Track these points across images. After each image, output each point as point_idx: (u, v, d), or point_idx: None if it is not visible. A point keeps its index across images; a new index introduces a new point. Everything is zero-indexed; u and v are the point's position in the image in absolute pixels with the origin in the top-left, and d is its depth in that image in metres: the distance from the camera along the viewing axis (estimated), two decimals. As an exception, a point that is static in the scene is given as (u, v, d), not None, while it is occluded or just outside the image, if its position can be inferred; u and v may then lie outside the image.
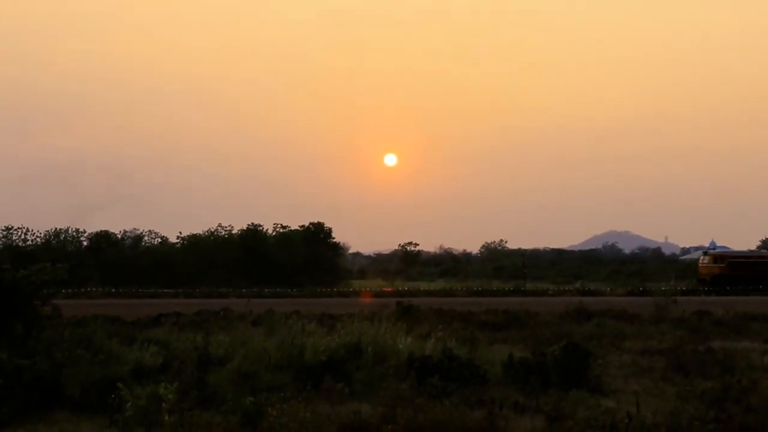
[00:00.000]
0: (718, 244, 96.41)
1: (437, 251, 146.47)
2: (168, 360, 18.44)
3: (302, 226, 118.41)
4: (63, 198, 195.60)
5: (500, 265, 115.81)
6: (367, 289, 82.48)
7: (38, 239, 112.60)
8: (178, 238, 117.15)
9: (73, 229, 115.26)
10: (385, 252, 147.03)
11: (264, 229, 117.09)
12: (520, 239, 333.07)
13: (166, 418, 12.88)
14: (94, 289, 78.01)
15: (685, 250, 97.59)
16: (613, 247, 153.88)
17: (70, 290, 67.03)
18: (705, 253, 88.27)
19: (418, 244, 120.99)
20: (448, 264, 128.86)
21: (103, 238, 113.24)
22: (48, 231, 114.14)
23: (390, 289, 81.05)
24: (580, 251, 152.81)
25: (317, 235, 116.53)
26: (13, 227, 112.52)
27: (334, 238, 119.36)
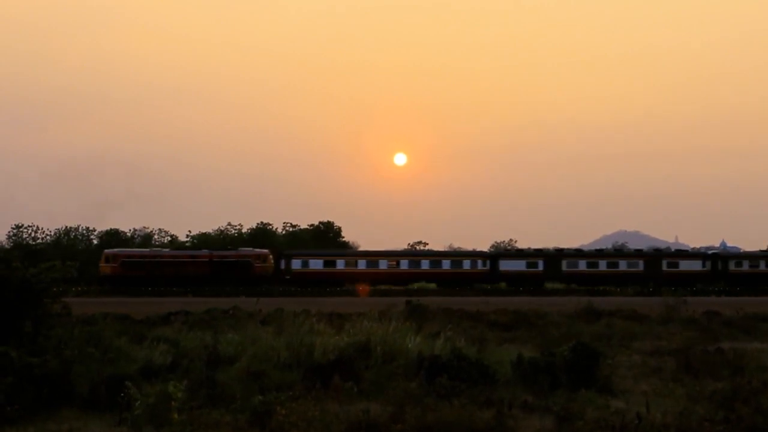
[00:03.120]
0: (729, 244, 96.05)
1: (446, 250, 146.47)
2: (177, 358, 18.47)
3: (312, 224, 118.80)
4: (76, 196, 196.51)
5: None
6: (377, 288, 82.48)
7: (48, 237, 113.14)
8: (187, 236, 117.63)
9: (83, 228, 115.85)
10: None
11: (273, 228, 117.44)
12: (529, 239, 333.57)
13: (175, 416, 12.90)
14: (103, 287, 78.18)
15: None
16: (622, 247, 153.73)
17: (79, 288, 67.25)
18: (103, 252, 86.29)
19: (427, 243, 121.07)
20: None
21: (113, 236, 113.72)
22: (58, 229, 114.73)
23: (399, 288, 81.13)
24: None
25: (327, 233, 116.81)
26: (23, 225, 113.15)
27: (343, 237, 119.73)
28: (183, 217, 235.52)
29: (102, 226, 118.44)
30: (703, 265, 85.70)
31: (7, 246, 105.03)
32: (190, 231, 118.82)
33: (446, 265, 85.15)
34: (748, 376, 17.22)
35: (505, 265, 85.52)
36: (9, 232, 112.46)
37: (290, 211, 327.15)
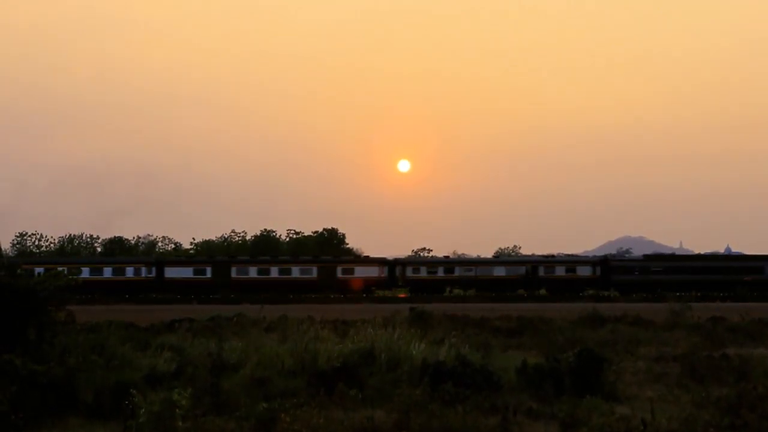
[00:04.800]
0: (733, 250, 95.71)
1: (450, 257, 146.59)
2: (181, 366, 18.46)
3: (315, 231, 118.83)
4: (82, 204, 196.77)
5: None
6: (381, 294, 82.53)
7: (52, 245, 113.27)
8: (191, 244, 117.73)
9: (87, 235, 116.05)
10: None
11: (277, 235, 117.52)
12: (533, 245, 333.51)
13: (180, 424, 12.89)
14: (107, 295, 78.15)
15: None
16: (627, 252, 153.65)
17: (83, 296, 67.27)
18: None
19: (431, 250, 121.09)
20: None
21: (116, 244, 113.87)
22: (62, 237, 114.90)
23: (403, 295, 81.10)
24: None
25: (331, 240, 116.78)
26: (27, 233, 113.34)
27: (347, 243, 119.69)
28: (187, 224, 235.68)
29: (107, 234, 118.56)
30: (380, 272, 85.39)
31: (11, 254, 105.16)
32: (194, 238, 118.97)
33: (108, 272, 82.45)
34: (754, 382, 17.13)
35: (171, 273, 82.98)
36: (13, 240, 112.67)
37: (294, 218, 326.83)
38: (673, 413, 14.43)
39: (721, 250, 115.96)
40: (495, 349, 23.35)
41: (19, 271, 19.37)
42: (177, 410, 13.01)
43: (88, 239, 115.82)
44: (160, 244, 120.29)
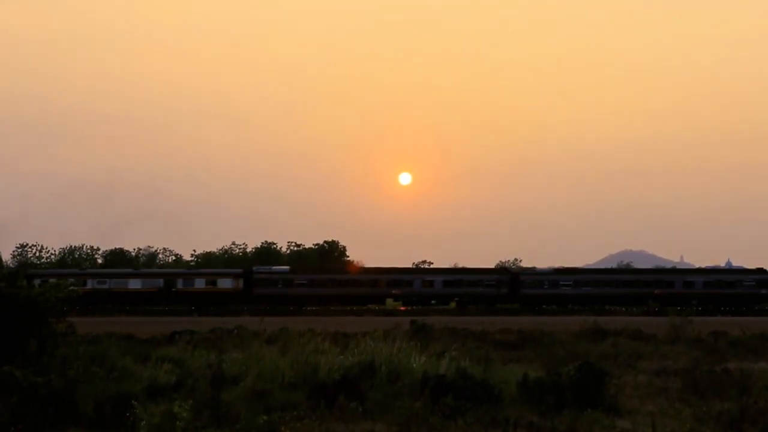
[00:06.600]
0: (734, 264, 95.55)
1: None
2: (182, 378, 18.44)
3: (316, 244, 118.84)
4: (84, 216, 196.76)
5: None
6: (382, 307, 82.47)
7: (53, 257, 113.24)
8: (192, 255, 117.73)
9: (88, 247, 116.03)
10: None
11: (278, 247, 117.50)
12: (534, 258, 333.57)
13: (180, 436, 12.87)
14: (108, 307, 78.10)
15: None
16: (627, 266, 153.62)
17: (84, 307, 67.27)
18: None
19: (432, 263, 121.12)
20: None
21: (117, 255, 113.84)
22: (63, 249, 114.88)
23: (404, 308, 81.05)
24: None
25: (331, 253, 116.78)
26: (27, 244, 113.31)
27: (348, 256, 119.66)
28: (188, 236, 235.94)
29: (107, 246, 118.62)
30: None
31: (11, 265, 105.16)
32: (194, 250, 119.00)
33: None
34: (755, 397, 17.13)
35: None
36: (14, 251, 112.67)
37: (295, 230, 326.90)
38: (675, 427, 14.41)
39: (722, 263, 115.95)
40: (496, 362, 23.30)
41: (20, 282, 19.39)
42: (177, 422, 13.00)
43: (89, 251, 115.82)
44: (161, 255, 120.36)
